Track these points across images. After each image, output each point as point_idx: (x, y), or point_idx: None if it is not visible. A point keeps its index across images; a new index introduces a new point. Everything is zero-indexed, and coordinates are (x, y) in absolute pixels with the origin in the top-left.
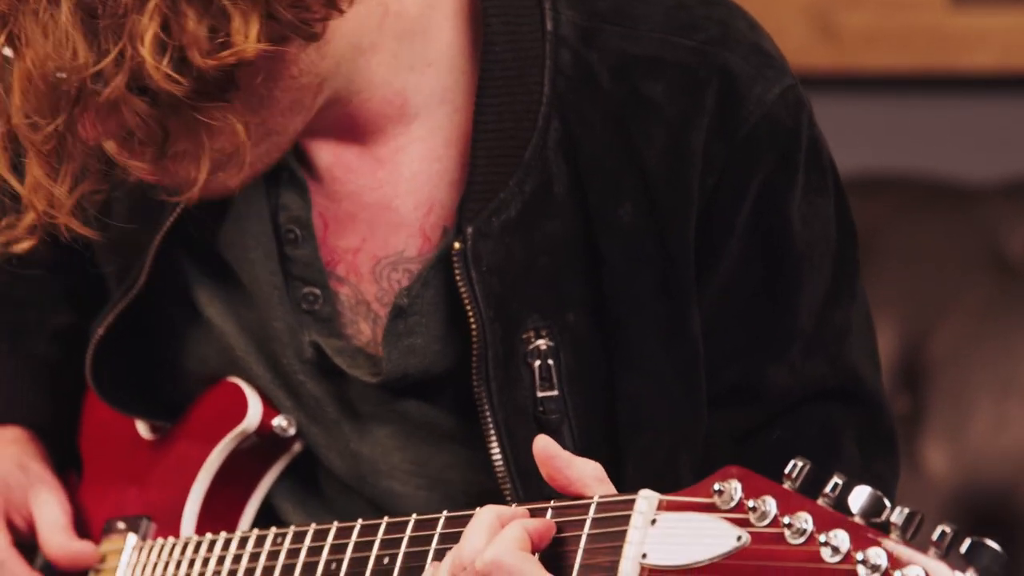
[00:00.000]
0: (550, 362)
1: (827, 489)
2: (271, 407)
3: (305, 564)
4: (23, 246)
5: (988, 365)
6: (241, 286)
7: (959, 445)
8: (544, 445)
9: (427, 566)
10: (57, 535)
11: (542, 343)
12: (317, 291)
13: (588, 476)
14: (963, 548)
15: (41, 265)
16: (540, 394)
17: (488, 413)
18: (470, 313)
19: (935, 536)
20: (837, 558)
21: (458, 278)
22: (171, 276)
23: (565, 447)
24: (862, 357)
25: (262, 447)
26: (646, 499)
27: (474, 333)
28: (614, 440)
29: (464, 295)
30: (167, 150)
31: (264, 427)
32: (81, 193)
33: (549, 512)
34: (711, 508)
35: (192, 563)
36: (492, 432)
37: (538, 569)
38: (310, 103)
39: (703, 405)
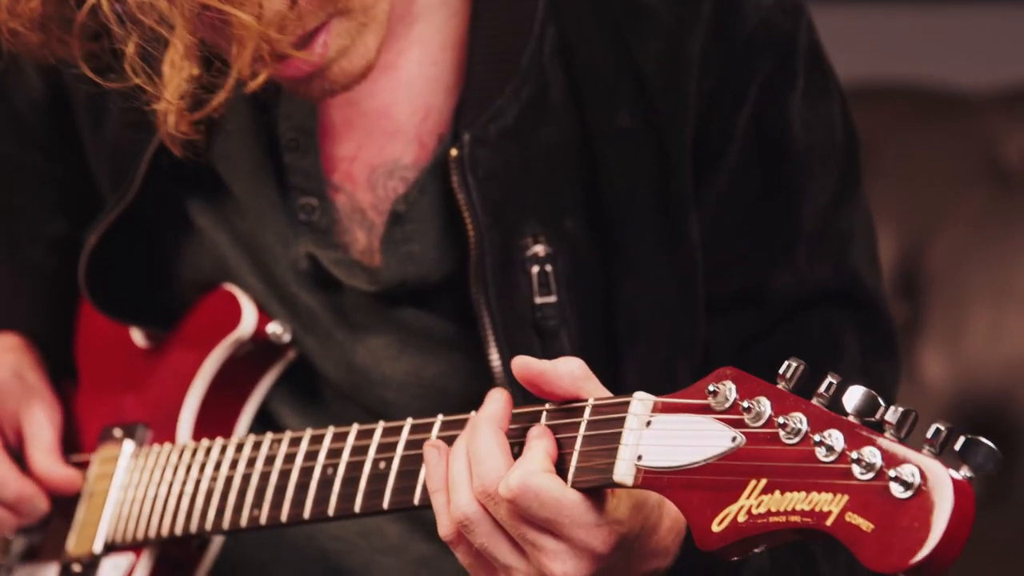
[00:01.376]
0: (548, 268)
1: (821, 389)
2: (266, 314)
3: (302, 469)
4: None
5: (985, 273)
6: (233, 197)
7: (956, 352)
8: (523, 365)
9: (423, 469)
10: (43, 457)
11: (540, 249)
12: (315, 201)
13: (578, 378)
14: (957, 446)
15: (32, 173)
16: (538, 300)
17: (486, 320)
18: (467, 220)
19: (929, 434)
20: (832, 457)
21: (455, 185)
22: (164, 186)
23: (564, 353)
24: (864, 261)
25: (257, 354)
26: (641, 401)
27: (472, 240)
28: (612, 347)
29: (461, 201)
30: None
31: (259, 334)
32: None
33: (544, 416)
34: (706, 409)
35: (189, 469)
36: (491, 339)
37: (560, 485)
38: None
39: (701, 312)
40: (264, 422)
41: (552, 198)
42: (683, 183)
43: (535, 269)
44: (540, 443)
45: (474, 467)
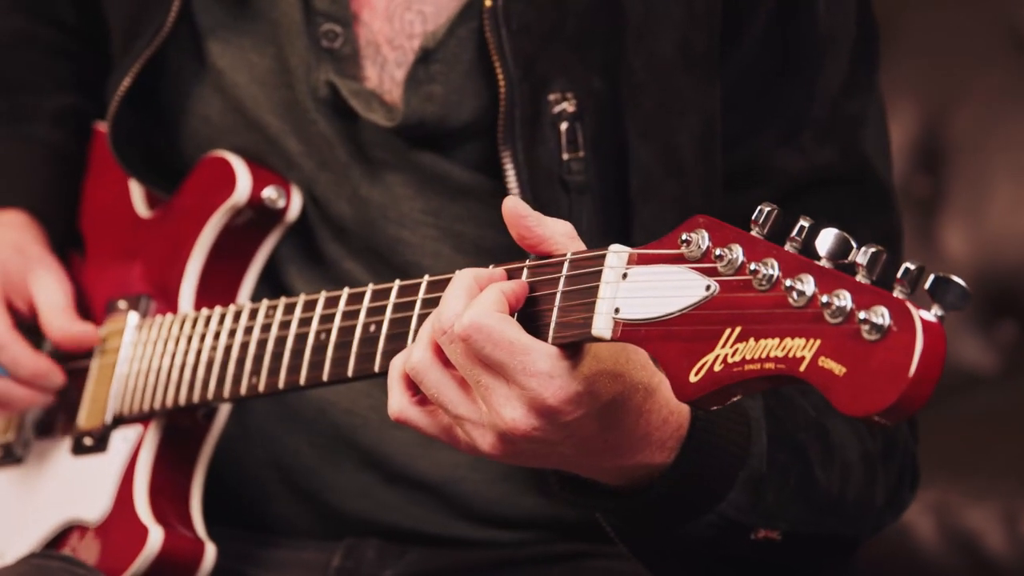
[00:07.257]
0: (576, 126)
1: (794, 233)
2: (261, 178)
3: (296, 336)
4: None
5: (1007, 146)
6: (254, 31)
7: (978, 227)
8: (512, 205)
9: (410, 331)
10: (58, 317)
11: (568, 106)
12: (339, 29)
13: (559, 234)
14: (927, 285)
15: (44, 46)
16: (567, 156)
17: (511, 172)
18: (499, 71)
19: (899, 274)
20: (803, 302)
21: (488, 35)
22: (187, 26)
23: (585, 213)
24: (875, 149)
25: (255, 220)
26: (616, 253)
27: (502, 91)
28: (626, 210)
29: (493, 53)
30: None
31: (255, 199)
32: None
33: (524, 272)
34: (680, 259)
35: (190, 339)
36: (515, 190)
37: (515, 328)
38: None
39: (717, 181)
40: (271, 284)
41: (581, 56)
42: (709, 51)
43: (564, 125)
44: (497, 285)
45: (438, 309)
